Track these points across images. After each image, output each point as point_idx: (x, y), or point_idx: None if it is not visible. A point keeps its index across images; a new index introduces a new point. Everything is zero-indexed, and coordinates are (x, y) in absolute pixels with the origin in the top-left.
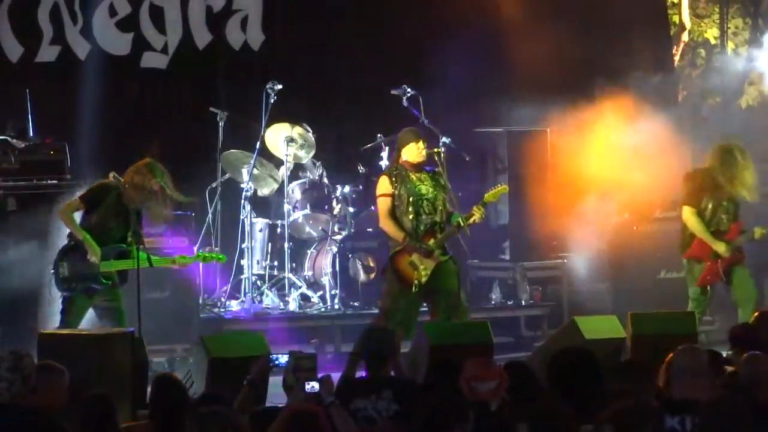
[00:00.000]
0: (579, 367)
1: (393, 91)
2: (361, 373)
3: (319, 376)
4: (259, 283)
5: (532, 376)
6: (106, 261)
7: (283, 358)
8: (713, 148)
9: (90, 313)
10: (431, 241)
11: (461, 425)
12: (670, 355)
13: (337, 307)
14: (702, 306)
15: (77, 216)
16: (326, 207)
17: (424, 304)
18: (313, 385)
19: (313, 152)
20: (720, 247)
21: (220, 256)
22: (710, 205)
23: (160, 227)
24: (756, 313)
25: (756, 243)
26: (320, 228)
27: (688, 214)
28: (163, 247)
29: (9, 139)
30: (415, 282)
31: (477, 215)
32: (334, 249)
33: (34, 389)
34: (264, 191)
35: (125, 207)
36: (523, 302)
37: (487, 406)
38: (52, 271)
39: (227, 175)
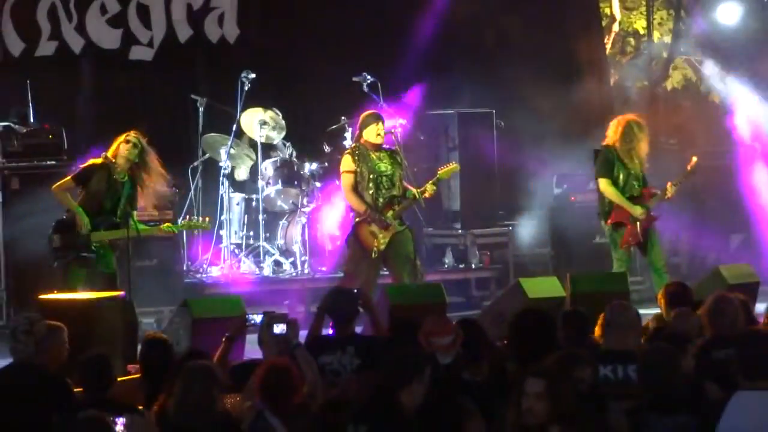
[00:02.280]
0: (537, 329)
1: (354, 78)
2: (327, 331)
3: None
4: (236, 251)
5: (482, 333)
6: (97, 231)
7: (258, 318)
8: (612, 122)
9: None
10: (390, 213)
11: (419, 377)
12: (604, 310)
13: (306, 271)
14: (626, 266)
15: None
16: (296, 182)
17: (384, 270)
18: (282, 328)
19: (283, 133)
20: (637, 211)
21: (205, 224)
22: (621, 175)
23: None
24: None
25: None
26: (291, 201)
27: (604, 185)
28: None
29: (12, 124)
30: (375, 249)
31: (429, 190)
32: (304, 220)
33: (41, 349)
34: (240, 170)
35: (116, 183)
36: (473, 266)
37: (439, 360)
38: (49, 238)
39: (207, 156)
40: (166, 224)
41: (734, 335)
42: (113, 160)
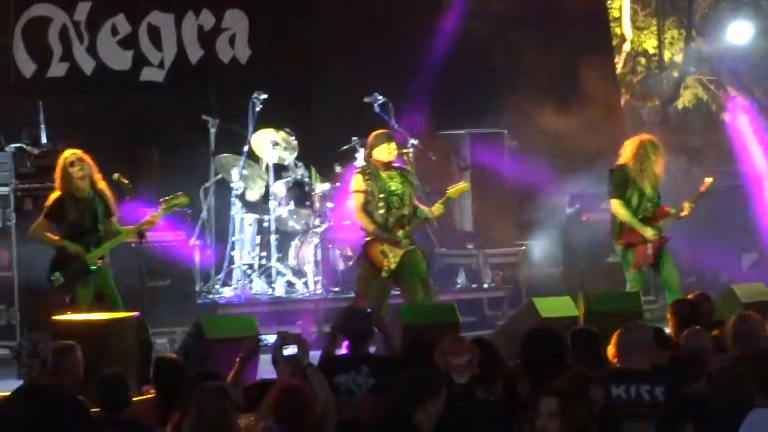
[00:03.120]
0: (546, 346)
1: (366, 99)
2: (341, 351)
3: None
4: (249, 271)
5: (496, 352)
6: (88, 252)
7: (271, 338)
8: (626, 143)
9: None
10: (400, 232)
11: (433, 398)
12: (618, 330)
13: (319, 291)
14: (639, 286)
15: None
16: (308, 203)
17: (396, 290)
18: (292, 349)
19: (295, 154)
20: (647, 232)
21: (181, 200)
22: (634, 196)
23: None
24: (696, 293)
25: None
26: (303, 222)
27: (615, 206)
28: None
29: (24, 146)
30: (385, 268)
31: (438, 209)
32: (316, 240)
33: (57, 370)
34: (253, 190)
35: (85, 202)
36: (485, 285)
37: (454, 380)
38: (50, 282)
39: (219, 176)
40: (146, 220)
41: (756, 354)
42: (68, 185)
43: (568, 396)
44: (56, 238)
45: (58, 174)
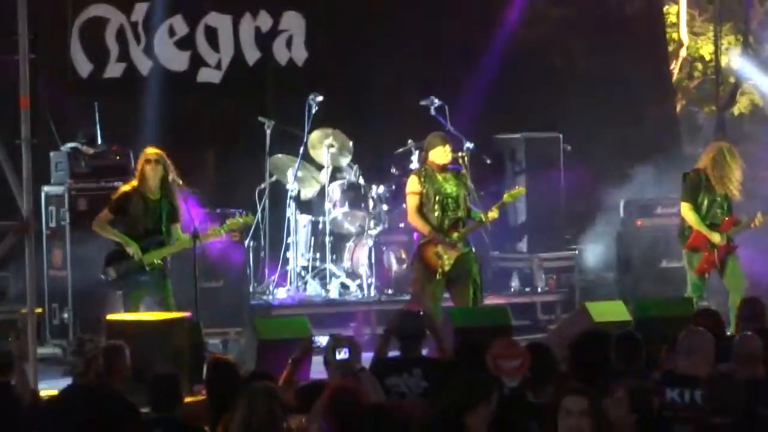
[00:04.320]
0: (596, 348)
1: (422, 102)
2: (393, 353)
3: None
4: (303, 273)
5: (552, 357)
6: (147, 252)
7: (324, 340)
8: (706, 148)
9: None
10: (455, 235)
11: (486, 401)
12: (678, 334)
13: (373, 294)
14: (700, 291)
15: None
16: (363, 205)
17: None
18: (344, 353)
19: (350, 156)
20: (715, 238)
21: (247, 219)
22: (705, 201)
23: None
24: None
25: None
26: (358, 224)
27: (685, 210)
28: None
29: (79, 146)
30: (439, 270)
31: (493, 213)
32: (370, 242)
33: (105, 369)
34: (307, 192)
35: (152, 203)
36: (539, 289)
37: (505, 384)
38: (102, 276)
39: (274, 178)
40: (212, 229)
41: None
42: (142, 183)
43: (596, 394)
44: (116, 232)
45: (137, 169)
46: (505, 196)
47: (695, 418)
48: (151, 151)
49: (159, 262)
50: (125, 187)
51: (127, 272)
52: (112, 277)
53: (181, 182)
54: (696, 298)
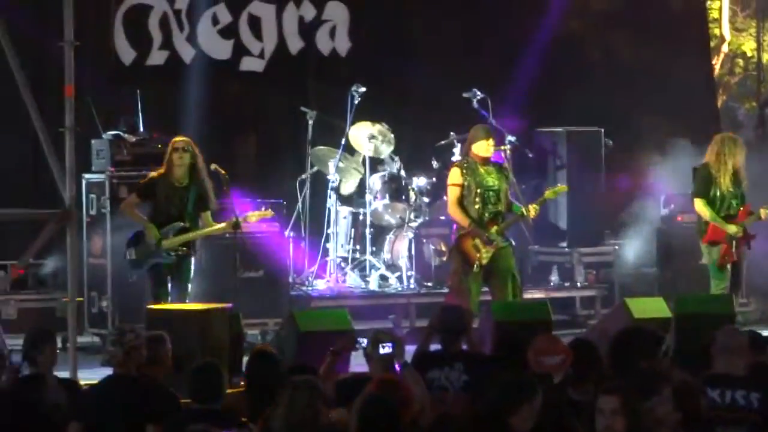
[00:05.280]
0: (638, 346)
1: (464, 94)
2: (435, 347)
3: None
4: (342, 264)
5: (596, 353)
6: (166, 238)
7: (365, 341)
8: (711, 141)
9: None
10: (494, 228)
11: (530, 401)
12: (712, 334)
13: (412, 286)
14: (724, 283)
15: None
16: (403, 197)
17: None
18: (388, 348)
19: (392, 148)
20: (731, 229)
21: (265, 213)
22: (718, 193)
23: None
24: None
25: None
26: (398, 216)
27: (698, 204)
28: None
29: (121, 133)
30: (477, 262)
31: (534, 210)
32: (410, 235)
33: (146, 360)
34: (348, 183)
35: (179, 190)
36: (578, 284)
37: (551, 379)
38: (126, 257)
39: (315, 168)
40: (233, 219)
41: None
42: (169, 170)
43: (629, 392)
44: (141, 217)
45: (166, 156)
46: (547, 193)
47: (744, 419)
48: (179, 138)
49: (183, 247)
50: (153, 174)
51: (145, 255)
52: (132, 258)
53: (223, 171)
54: (722, 289)
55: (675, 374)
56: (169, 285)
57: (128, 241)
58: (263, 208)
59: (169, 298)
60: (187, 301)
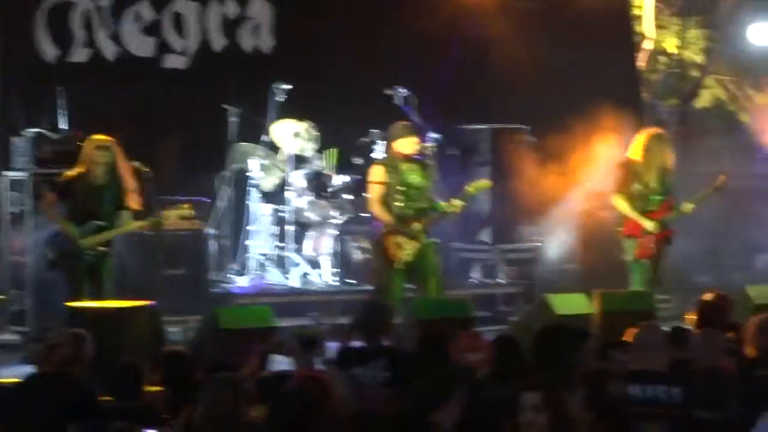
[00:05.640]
0: (560, 342)
1: (386, 92)
2: (356, 343)
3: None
4: (264, 261)
5: (518, 349)
6: (84, 237)
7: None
8: (636, 136)
9: None
10: (417, 225)
11: (454, 396)
12: (632, 330)
13: (335, 283)
14: (641, 278)
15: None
16: (326, 194)
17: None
18: (310, 343)
19: (317, 146)
20: (648, 224)
21: (185, 211)
22: (639, 189)
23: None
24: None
25: None
26: (321, 213)
27: (616, 201)
28: None
29: (44, 131)
30: (400, 260)
31: (457, 205)
32: (334, 232)
33: (66, 358)
34: (271, 181)
35: (96, 189)
36: (500, 281)
37: (474, 375)
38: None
39: (238, 166)
40: (153, 218)
41: None
42: (89, 169)
43: (552, 389)
44: (59, 215)
45: (83, 154)
46: (469, 188)
47: (666, 414)
48: (98, 137)
49: (100, 246)
50: (70, 173)
51: (63, 255)
52: (51, 257)
53: (147, 169)
54: (639, 285)
55: (591, 364)
56: (89, 283)
57: (46, 240)
58: (184, 206)
59: (89, 297)
60: (106, 299)
